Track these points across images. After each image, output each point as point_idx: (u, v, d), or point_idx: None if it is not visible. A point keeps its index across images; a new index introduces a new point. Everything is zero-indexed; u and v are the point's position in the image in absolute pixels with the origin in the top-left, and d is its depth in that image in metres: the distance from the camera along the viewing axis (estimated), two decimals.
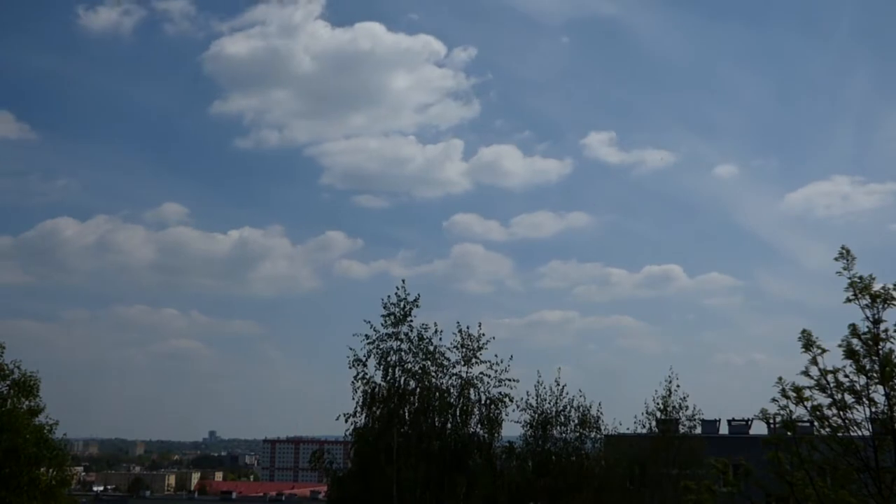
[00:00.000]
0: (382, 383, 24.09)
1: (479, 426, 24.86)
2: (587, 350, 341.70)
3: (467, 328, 24.81)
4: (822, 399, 14.47)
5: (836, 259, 14.78)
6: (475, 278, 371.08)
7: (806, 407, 14.60)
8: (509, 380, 24.84)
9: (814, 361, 14.61)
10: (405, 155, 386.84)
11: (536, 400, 28.72)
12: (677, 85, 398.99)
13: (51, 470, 28.56)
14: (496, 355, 24.76)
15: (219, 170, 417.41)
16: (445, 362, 24.51)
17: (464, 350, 24.65)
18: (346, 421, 23.88)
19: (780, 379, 14.75)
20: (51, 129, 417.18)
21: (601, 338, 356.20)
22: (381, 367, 24.11)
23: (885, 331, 14.21)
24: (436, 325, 24.68)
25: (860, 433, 14.33)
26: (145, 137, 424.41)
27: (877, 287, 14.40)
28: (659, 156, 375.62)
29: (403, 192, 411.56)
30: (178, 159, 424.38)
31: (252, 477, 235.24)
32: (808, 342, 14.65)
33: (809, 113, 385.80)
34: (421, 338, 24.28)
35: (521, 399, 27.95)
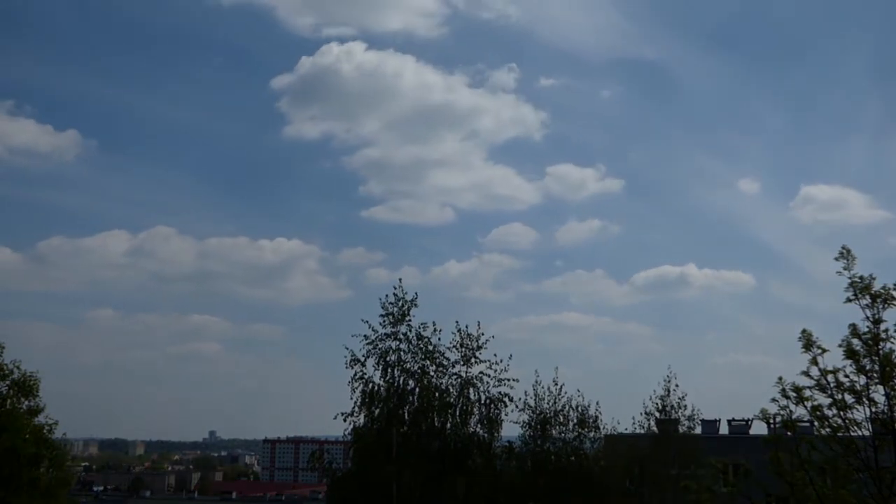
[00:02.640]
0: (381, 383, 24.08)
1: (478, 426, 24.84)
2: (596, 351, 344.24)
3: (466, 328, 24.85)
4: (823, 399, 14.47)
5: (836, 259, 14.78)
6: (492, 282, 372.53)
7: (806, 407, 14.58)
8: (509, 379, 24.87)
9: (814, 361, 14.60)
10: (461, 168, 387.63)
11: (534, 400, 28.71)
12: (708, 115, 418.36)
13: (50, 470, 28.54)
14: (495, 354, 24.78)
15: (269, 187, 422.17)
16: (445, 362, 24.52)
17: (463, 350, 24.64)
18: (345, 420, 23.91)
19: (780, 379, 14.75)
20: (119, 149, 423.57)
21: (613, 340, 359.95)
22: (380, 366, 24.11)
23: (886, 331, 14.20)
24: (434, 324, 24.69)
25: (860, 433, 14.32)
26: (212, 160, 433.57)
27: (877, 287, 14.40)
28: (682, 172, 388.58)
29: (451, 205, 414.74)
30: (236, 179, 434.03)
31: (252, 477, 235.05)
32: (808, 342, 14.64)
33: (824, 134, 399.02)
34: (420, 337, 24.28)
35: (520, 399, 27.94)
